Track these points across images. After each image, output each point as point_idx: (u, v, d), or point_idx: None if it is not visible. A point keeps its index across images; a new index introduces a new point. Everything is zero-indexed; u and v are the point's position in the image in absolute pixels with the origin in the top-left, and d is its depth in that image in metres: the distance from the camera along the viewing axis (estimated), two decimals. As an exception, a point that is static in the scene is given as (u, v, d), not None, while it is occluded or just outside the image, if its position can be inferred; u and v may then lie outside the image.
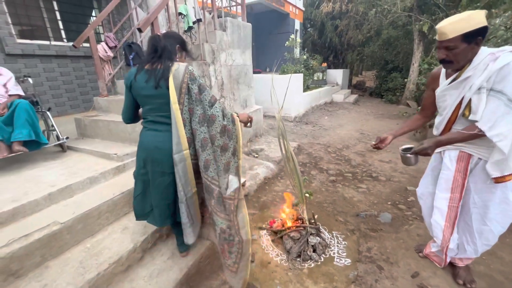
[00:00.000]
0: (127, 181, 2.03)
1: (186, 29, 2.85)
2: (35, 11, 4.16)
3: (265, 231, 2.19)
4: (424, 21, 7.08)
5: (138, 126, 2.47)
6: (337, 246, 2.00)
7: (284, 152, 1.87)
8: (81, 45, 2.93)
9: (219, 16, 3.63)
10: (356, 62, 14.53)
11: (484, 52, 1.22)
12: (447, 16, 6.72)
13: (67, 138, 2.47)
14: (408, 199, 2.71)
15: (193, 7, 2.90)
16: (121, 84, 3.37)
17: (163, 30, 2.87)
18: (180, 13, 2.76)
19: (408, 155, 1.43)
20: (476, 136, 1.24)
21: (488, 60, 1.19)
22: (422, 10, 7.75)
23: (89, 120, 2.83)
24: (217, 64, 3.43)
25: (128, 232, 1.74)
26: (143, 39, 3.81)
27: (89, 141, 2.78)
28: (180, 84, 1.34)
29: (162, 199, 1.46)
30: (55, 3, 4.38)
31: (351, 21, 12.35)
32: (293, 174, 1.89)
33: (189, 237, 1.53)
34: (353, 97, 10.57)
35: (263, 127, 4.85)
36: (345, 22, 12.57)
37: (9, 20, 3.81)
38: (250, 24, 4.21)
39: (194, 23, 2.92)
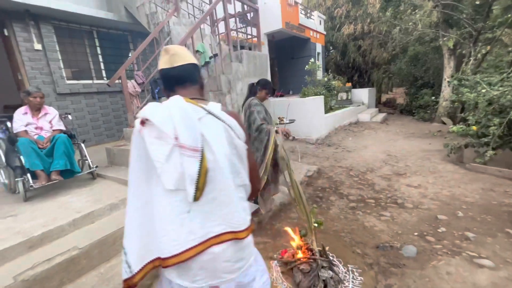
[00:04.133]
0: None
1: (202, 64, 3.11)
2: (82, 56, 4.88)
3: (276, 262, 2.12)
4: (448, 36, 6.77)
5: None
6: (352, 282, 1.85)
7: (288, 180, 1.85)
8: (114, 83, 3.35)
9: (235, 47, 3.89)
10: (384, 79, 14.13)
11: None
12: (474, 30, 6.38)
13: (96, 167, 2.74)
14: (438, 230, 2.44)
15: (209, 44, 3.16)
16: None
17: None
18: (197, 51, 3.03)
19: None
20: None
21: None
22: (449, 25, 7.44)
23: (117, 149, 3.12)
24: (233, 93, 3.61)
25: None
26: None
27: (116, 168, 3.04)
28: (244, 109, 2.49)
29: None
30: (98, 49, 5.09)
31: (374, 41, 12.27)
32: (299, 203, 1.85)
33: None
34: (381, 116, 10.13)
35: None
36: (368, 42, 12.52)
37: (61, 65, 4.50)
38: (265, 54, 4.43)
39: (210, 58, 3.17)
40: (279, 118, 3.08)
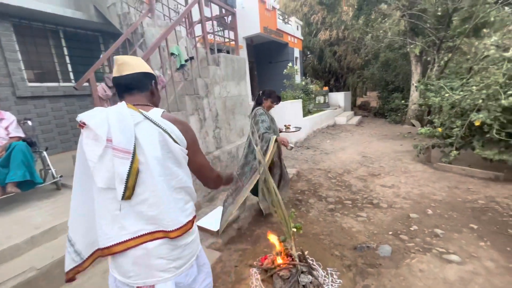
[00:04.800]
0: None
1: (178, 67, 3.01)
2: (47, 57, 4.54)
3: (255, 269, 2.07)
4: (415, 44, 7.26)
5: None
6: (331, 285, 1.85)
7: (264, 187, 1.83)
8: (83, 86, 3.13)
9: (212, 50, 3.83)
10: (358, 84, 14.78)
11: None
12: (437, 39, 6.90)
13: (61, 176, 2.52)
14: (411, 228, 2.55)
15: (185, 47, 3.08)
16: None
17: (156, 69, 3.04)
18: (172, 53, 2.93)
19: None
20: None
21: None
22: (415, 33, 7.97)
23: (86, 157, 2.90)
24: (210, 97, 3.54)
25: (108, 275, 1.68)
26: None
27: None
28: (251, 119, 2.60)
29: None
30: (65, 49, 4.77)
31: (349, 47, 12.82)
32: (277, 208, 1.83)
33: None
34: (356, 118, 10.56)
35: (262, 155, 4.83)
36: (343, 48, 13.05)
37: (22, 67, 4.15)
38: (244, 57, 4.41)
39: (186, 61, 3.09)
40: (285, 125, 3.13)
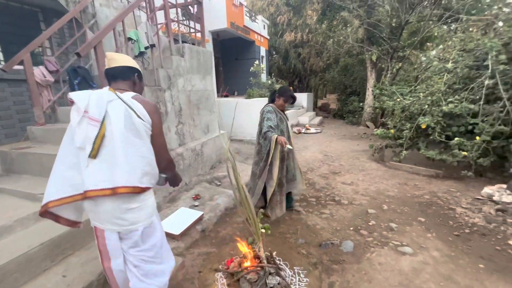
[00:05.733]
0: (51, 228, 1.70)
1: (136, 54, 2.71)
2: (-35, 30, 3.72)
3: (221, 273, 1.96)
4: (372, 51, 7.87)
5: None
6: (299, 284, 1.84)
7: (235, 184, 1.73)
8: (15, 69, 2.62)
9: (176, 40, 3.57)
10: (320, 86, 15.51)
11: None
12: (391, 48, 7.58)
13: (-20, 177, 2.06)
14: (369, 223, 2.70)
15: (145, 33, 2.79)
16: (63, 111, 3.04)
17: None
18: (129, 38, 2.63)
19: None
20: None
21: None
22: (371, 42, 8.63)
23: (17, 153, 2.44)
24: (173, 90, 3.29)
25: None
26: (92, 63, 3.57)
27: (15, 178, 2.37)
28: (260, 116, 2.60)
29: None
30: (-8, 23, 3.98)
31: (312, 50, 13.34)
32: (246, 208, 1.75)
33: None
34: (318, 119, 11.05)
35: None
36: (307, 50, 13.54)
37: None
38: (210, 50, 4.22)
39: (146, 48, 2.80)
40: (305, 126, 3.10)
